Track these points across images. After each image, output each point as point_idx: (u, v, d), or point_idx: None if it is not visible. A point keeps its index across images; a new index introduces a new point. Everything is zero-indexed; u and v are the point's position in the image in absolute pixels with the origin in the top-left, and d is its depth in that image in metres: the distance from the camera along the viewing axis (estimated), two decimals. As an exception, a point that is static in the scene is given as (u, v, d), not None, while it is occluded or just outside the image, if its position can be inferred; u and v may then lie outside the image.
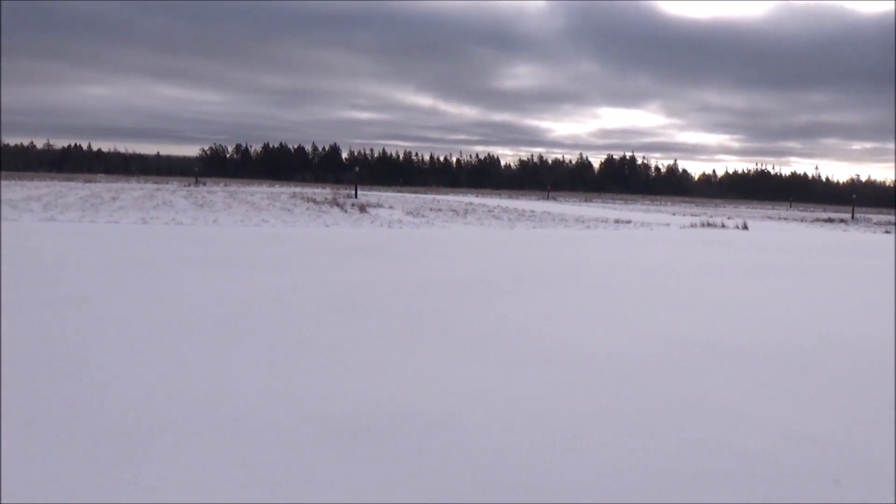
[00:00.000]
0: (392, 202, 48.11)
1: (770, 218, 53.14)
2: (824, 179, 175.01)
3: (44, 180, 69.35)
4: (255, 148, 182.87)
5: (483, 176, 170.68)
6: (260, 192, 59.59)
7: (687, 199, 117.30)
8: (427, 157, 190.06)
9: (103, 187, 55.29)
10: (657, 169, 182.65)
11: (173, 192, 49.18)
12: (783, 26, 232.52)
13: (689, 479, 4.21)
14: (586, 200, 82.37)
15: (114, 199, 37.25)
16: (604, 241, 23.35)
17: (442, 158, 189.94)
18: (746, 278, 14.21)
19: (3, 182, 56.10)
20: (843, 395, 6.09)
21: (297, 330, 7.78)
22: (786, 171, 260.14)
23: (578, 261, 16.38)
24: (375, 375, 6.15)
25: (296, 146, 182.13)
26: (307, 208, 35.24)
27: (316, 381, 5.88)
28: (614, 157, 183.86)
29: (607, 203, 75.27)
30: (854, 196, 74.62)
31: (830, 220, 51.61)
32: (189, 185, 69.84)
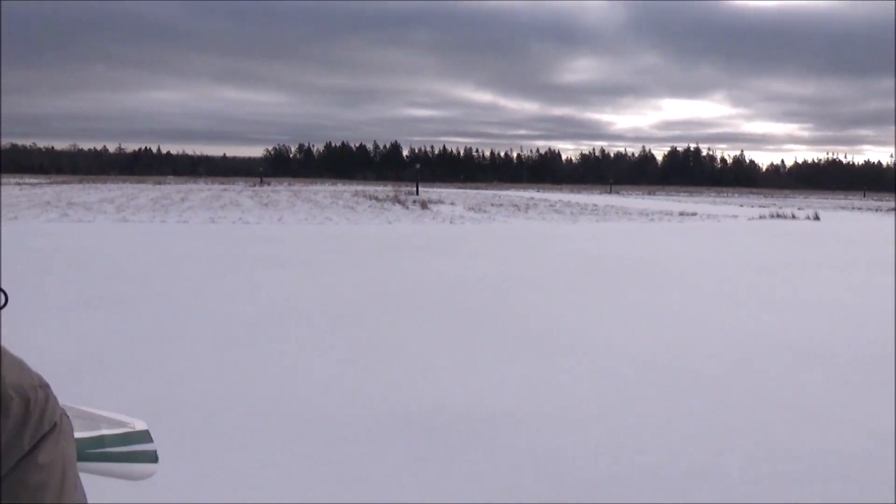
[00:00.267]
0: (453, 198, 48.15)
1: (843, 208, 51.42)
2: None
3: (116, 183, 71.62)
4: (318, 147, 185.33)
5: (544, 171, 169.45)
6: (323, 190, 60.35)
7: (754, 190, 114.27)
8: (487, 153, 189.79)
9: (173, 189, 56.77)
10: (723, 160, 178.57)
11: (239, 193, 50.17)
12: (853, 10, 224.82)
13: (765, 482, 4.08)
14: (650, 194, 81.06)
15: (183, 199, 38.20)
16: (669, 234, 22.93)
17: (502, 154, 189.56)
18: (820, 272, 13.76)
19: (79, 185, 58.00)
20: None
21: (360, 328, 7.83)
22: (858, 159, 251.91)
23: (644, 255, 16.11)
24: (437, 373, 6.15)
25: (357, 145, 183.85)
26: (369, 206, 35.53)
27: (379, 380, 5.90)
28: (678, 148, 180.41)
29: (671, 196, 73.91)
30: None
31: (907, 210, 49.71)
32: (254, 185, 71.13)
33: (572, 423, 4.97)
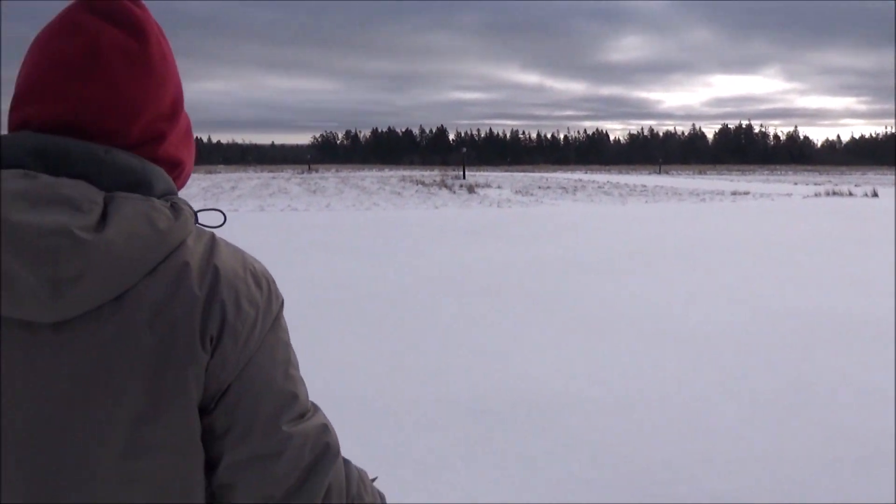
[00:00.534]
0: (500, 181, 47.99)
1: (903, 184, 49.86)
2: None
3: (168, 173, 72.82)
4: (364, 133, 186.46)
5: (591, 152, 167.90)
6: (370, 176, 60.67)
7: (809, 167, 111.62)
8: (534, 135, 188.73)
9: (223, 177, 57.65)
10: (776, 137, 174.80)
11: (287, 180, 50.73)
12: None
13: (832, 464, 3.97)
14: (700, 173, 79.68)
15: (233, 188, 38.76)
16: (722, 214, 22.50)
17: (549, 136, 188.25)
18: (879, 250, 13.35)
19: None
20: None
21: (420, 313, 7.84)
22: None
23: (698, 235, 15.84)
24: (500, 357, 6.12)
25: (403, 130, 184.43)
26: (416, 191, 35.59)
27: (430, 364, 5.90)
28: (729, 126, 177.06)
29: (723, 175, 72.56)
30: None
31: (972, 185, 47.94)
32: (302, 172, 71.88)
33: (626, 405, 4.90)
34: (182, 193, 1.12)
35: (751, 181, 54.40)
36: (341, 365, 5.83)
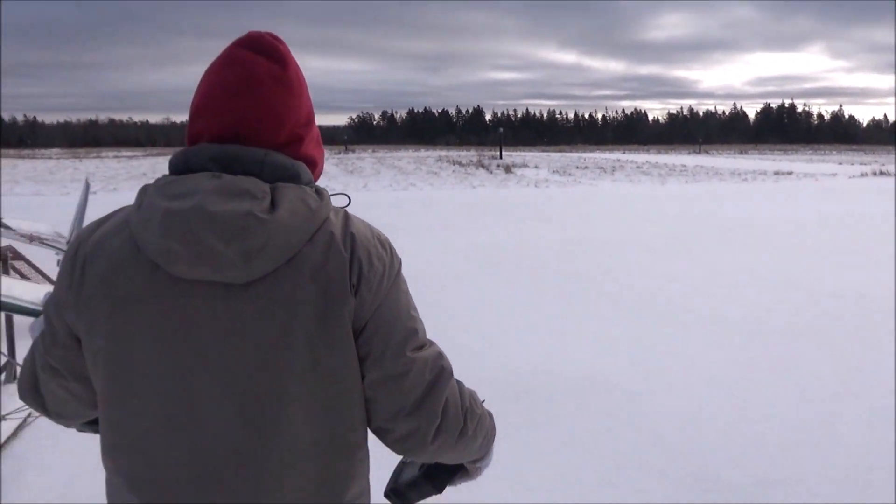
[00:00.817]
0: (537, 161, 47.68)
1: (953, 164, 48.46)
2: None
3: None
4: (401, 114, 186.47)
5: (629, 132, 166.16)
6: (406, 156, 60.66)
7: (854, 147, 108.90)
8: (571, 115, 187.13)
9: (261, 158, 57.96)
10: (820, 116, 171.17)
11: (325, 160, 50.86)
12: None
13: (885, 450, 3.86)
14: (741, 153, 78.33)
15: (271, 168, 38.96)
16: (766, 195, 22.09)
17: (586, 116, 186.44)
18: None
19: (172, 157, 59.80)
20: None
21: (458, 293, 7.81)
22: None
23: (740, 216, 15.56)
24: (535, 337, 6.07)
25: (440, 110, 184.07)
26: (453, 171, 35.51)
27: (477, 343, 5.86)
28: (771, 105, 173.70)
29: (765, 155, 71.23)
30: None
31: None
32: (339, 152, 72.12)
33: (670, 385, 4.82)
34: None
35: (793, 161, 53.28)
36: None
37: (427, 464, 1.40)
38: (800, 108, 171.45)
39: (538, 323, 6.52)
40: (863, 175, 32.38)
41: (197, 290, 1.09)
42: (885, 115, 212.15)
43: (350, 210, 1.27)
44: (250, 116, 1.15)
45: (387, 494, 1.43)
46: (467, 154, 65.65)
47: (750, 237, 12.13)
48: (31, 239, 3.88)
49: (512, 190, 24.02)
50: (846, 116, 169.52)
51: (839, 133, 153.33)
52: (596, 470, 3.66)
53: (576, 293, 7.75)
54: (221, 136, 1.15)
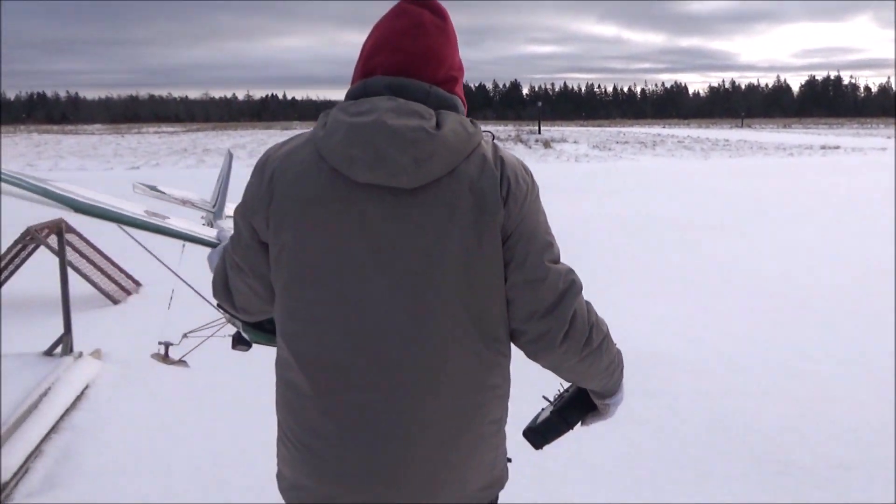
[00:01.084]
0: (576, 136, 47.17)
1: None
2: None
3: (246, 129, 74.25)
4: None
5: (669, 105, 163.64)
6: (444, 131, 60.25)
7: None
8: (610, 89, 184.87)
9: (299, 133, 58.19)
10: (867, 88, 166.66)
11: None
12: None
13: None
14: (785, 127, 76.71)
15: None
16: (813, 169, 21.56)
17: (625, 89, 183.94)
18: None
19: (212, 132, 60.47)
20: None
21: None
22: None
23: (789, 190, 15.19)
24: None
25: (476, 84, 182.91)
26: (492, 146, 35.20)
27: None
28: (816, 77, 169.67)
29: (809, 129, 69.67)
30: None
31: None
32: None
33: (730, 362, 4.68)
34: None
35: (840, 135, 51.98)
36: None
37: (560, 407, 1.57)
38: (846, 81, 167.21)
39: (596, 301, 6.38)
40: (914, 149, 31.46)
41: (371, 193, 1.29)
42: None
43: None
44: (417, 56, 1.36)
45: (525, 434, 1.58)
46: (505, 129, 65.20)
47: (800, 212, 11.81)
48: (184, 202, 4.27)
49: (552, 165, 23.76)
50: (895, 88, 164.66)
51: (887, 106, 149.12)
52: (659, 451, 3.55)
53: (620, 269, 7.59)
54: (394, 70, 1.35)
